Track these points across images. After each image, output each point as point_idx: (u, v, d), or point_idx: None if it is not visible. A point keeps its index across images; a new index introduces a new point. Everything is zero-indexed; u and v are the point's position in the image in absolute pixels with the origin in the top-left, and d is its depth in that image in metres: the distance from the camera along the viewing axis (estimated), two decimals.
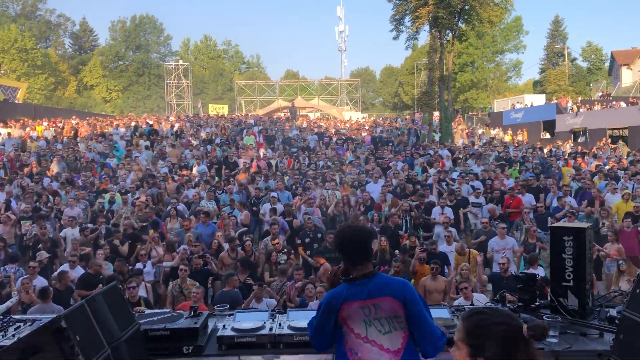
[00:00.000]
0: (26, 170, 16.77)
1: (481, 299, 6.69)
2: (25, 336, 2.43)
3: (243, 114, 40.35)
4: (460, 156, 19.46)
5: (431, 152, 20.29)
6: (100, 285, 7.67)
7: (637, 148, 24.03)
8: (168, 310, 3.80)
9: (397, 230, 11.17)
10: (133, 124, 26.46)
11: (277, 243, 10.13)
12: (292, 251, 10.46)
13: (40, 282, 8.28)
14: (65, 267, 9.10)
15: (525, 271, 3.99)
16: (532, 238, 10.29)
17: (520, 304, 3.78)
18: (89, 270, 8.77)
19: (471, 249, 9.66)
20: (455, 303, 6.68)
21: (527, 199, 13.07)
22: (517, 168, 17.44)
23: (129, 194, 14.09)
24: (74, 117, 33.35)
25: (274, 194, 13.63)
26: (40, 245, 10.28)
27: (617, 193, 13.05)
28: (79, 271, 9.07)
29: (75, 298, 8.05)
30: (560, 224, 4.98)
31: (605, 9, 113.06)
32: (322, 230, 11.52)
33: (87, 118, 33.18)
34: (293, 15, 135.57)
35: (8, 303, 7.56)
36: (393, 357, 2.67)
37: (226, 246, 10.34)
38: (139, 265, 9.56)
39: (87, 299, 2.78)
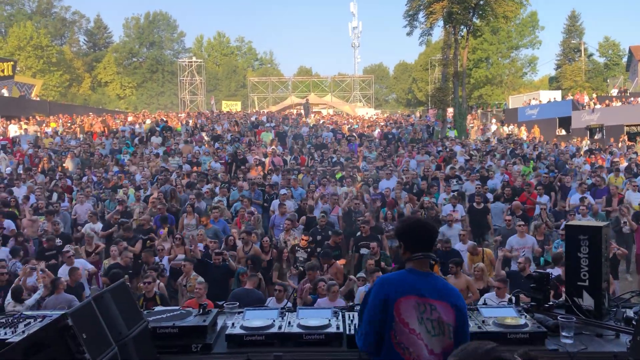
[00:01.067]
0: (39, 166, 16.94)
1: (493, 298, 6.59)
2: (32, 333, 2.41)
3: (256, 111, 40.42)
4: (475, 153, 19.31)
5: (445, 148, 20.13)
6: (126, 276, 7.73)
7: None
8: (177, 307, 3.78)
9: None
10: (148, 121, 26.60)
11: (305, 240, 10.10)
12: (316, 252, 10.38)
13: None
14: (79, 261, 9.20)
15: (538, 270, 3.89)
16: (540, 235, 10.12)
17: (533, 303, 3.70)
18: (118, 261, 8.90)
19: (485, 249, 9.52)
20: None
21: (544, 200, 12.81)
22: (531, 165, 17.24)
23: (141, 190, 14.18)
24: (89, 113, 33.67)
25: (284, 190, 13.62)
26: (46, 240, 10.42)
27: (637, 192, 12.82)
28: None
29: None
30: (576, 222, 4.91)
31: (623, 4, 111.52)
32: (333, 227, 11.47)
33: (103, 114, 33.45)
34: (306, 11, 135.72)
35: (36, 295, 7.67)
36: (434, 359, 2.64)
37: (241, 242, 10.35)
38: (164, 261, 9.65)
39: (94, 296, 2.76)
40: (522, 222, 10.20)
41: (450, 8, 26.95)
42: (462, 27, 29.09)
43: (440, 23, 29.32)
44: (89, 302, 2.66)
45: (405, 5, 29.60)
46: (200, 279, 7.56)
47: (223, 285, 8.61)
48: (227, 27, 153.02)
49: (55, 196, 14.04)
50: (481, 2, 27.79)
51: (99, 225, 11.70)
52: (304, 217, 11.94)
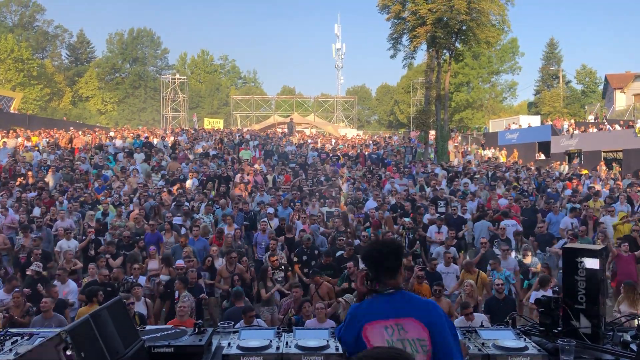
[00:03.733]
0: (19, 180, 16.60)
1: (483, 319, 6.58)
2: (29, 351, 2.32)
3: (239, 129, 40.35)
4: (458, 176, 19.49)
5: (428, 170, 20.30)
6: (101, 292, 7.55)
7: (631, 171, 24.14)
8: (171, 326, 3.68)
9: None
10: (131, 135, 26.35)
11: (275, 260, 10.02)
12: (290, 268, 10.34)
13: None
14: (54, 282, 8.97)
15: (546, 294, 3.85)
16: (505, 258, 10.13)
17: (542, 328, 3.66)
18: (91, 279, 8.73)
19: (481, 271, 9.51)
20: (456, 322, 6.57)
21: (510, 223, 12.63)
22: (510, 188, 17.43)
23: (123, 207, 13.98)
24: (71, 128, 33.23)
25: (270, 209, 13.55)
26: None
27: (615, 216, 13.07)
28: (69, 285, 8.93)
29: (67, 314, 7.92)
30: (574, 245, 4.94)
31: (599, 33, 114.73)
32: (318, 247, 11.41)
33: (84, 129, 33.05)
34: (290, 32, 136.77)
35: None
36: None
37: (222, 261, 10.22)
38: (142, 279, 9.46)
39: (91, 313, 2.67)
40: (506, 246, 10.29)
41: (433, 32, 27.42)
42: (444, 51, 29.58)
43: (424, 47, 29.86)
44: (86, 319, 2.57)
45: (390, 28, 30.07)
46: (188, 297, 7.42)
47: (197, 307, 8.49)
48: (211, 45, 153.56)
49: (37, 211, 13.76)
50: (464, 28, 28.34)
51: (73, 243, 11.43)
52: (283, 237, 11.87)
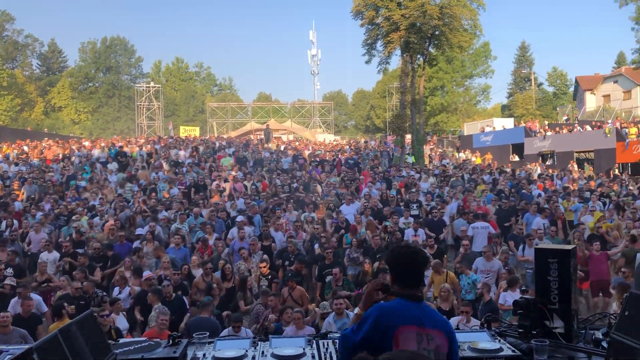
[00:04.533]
0: None
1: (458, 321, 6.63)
2: None
3: (215, 136, 40.10)
4: (434, 180, 19.67)
5: (405, 174, 20.43)
6: (73, 306, 7.41)
7: (603, 170, 24.64)
8: (144, 338, 3.62)
9: (378, 253, 11.09)
10: (103, 144, 26.04)
11: (265, 266, 10.00)
12: (276, 278, 10.27)
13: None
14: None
15: (513, 295, 3.88)
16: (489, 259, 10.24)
17: (521, 330, 3.68)
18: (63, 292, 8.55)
19: (449, 271, 9.60)
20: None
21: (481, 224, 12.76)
22: (482, 187, 17.69)
23: (97, 218, 13.79)
24: (45, 139, 32.70)
25: (240, 217, 13.47)
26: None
27: (591, 215, 13.32)
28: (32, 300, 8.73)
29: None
30: (545, 245, 4.99)
31: (569, 36, 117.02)
32: (303, 254, 11.40)
33: (57, 140, 32.50)
34: (266, 38, 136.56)
35: None
36: None
37: (200, 271, 10.12)
38: (115, 291, 9.31)
39: (60, 328, 2.61)
40: (488, 248, 10.39)
41: (407, 38, 27.71)
42: (418, 56, 29.89)
43: (398, 52, 30.15)
44: (55, 335, 2.51)
45: (364, 34, 30.30)
46: (163, 310, 7.31)
47: (178, 319, 8.32)
48: (186, 52, 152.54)
49: (3, 225, 13.48)
50: (437, 33, 28.70)
51: (54, 255, 11.25)
52: (259, 244, 11.82)
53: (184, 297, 8.65)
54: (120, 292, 9.30)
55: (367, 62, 31.05)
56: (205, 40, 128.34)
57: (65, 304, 7.60)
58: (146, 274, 9.52)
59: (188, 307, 8.56)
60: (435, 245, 11.40)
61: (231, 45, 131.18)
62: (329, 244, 11.20)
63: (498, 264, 9.84)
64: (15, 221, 13.70)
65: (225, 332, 7.20)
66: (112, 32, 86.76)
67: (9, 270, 10.08)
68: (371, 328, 2.63)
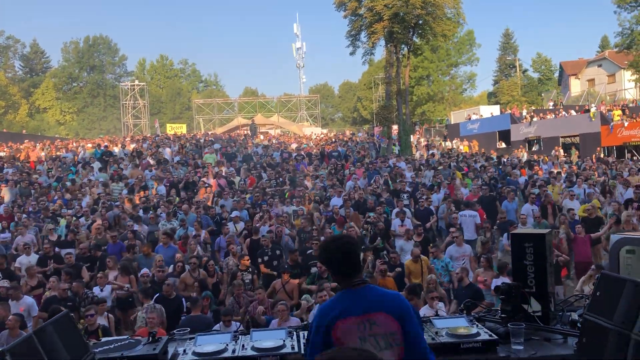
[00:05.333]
0: None
1: (442, 307, 6.69)
2: None
3: (202, 133, 39.95)
4: (422, 168, 19.73)
5: (391, 164, 20.48)
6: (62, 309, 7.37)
7: (588, 154, 24.83)
8: (126, 337, 3.63)
9: (361, 245, 11.14)
10: (89, 145, 25.86)
11: (248, 260, 10.00)
12: (257, 271, 10.30)
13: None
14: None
15: (506, 281, 3.92)
16: (485, 251, 10.31)
17: (503, 315, 3.72)
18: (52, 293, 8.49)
19: (422, 256, 9.60)
20: (421, 312, 6.66)
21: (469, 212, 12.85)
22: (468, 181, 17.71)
23: (82, 218, 13.71)
24: (26, 140, 32.38)
25: (234, 213, 13.47)
26: None
27: (575, 200, 13.40)
28: (25, 302, 8.67)
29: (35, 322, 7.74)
30: (520, 230, 5.03)
31: (552, 22, 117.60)
32: (281, 247, 11.40)
33: (41, 142, 32.21)
34: (250, 33, 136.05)
35: None
36: None
37: (187, 267, 10.10)
38: (96, 290, 9.25)
39: (35, 330, 2.62)
40: (458, 233, 10.50)
41: (390, 28, 27.72)
42: (403, 46, 29.91)
43: (382, 42, 30.15)
44: (30, 337, 2.52)
45: (347, 25, 30.24)
46: (152, 307, 7.28)
47: (175, 319, 8.26)
48: (170, 50, 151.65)
49: None
50: (420, 22, 28.71)
51: (33, 257, 11.14)
52: (248, 240, 11.82)
53: (182, 298, 8.61)
54: (102, 290, 9.23)
55: (352, 53, 31.10)
56: (189, 37, 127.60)
57: (62, 308, 7.56)
58: (143, 271, 9.50)
59: (185, 307, 8.52)
60: (423, 234, 11.44)
61: (216, 41, 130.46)
62: (318, 235, 11.22)
63: (469, 248, 9.94)
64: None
65: (217, 327, 7.21)
66: (95, 31, 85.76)
67: None
68: (315, 334, 2.65)
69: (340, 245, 2.78)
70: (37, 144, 29.06)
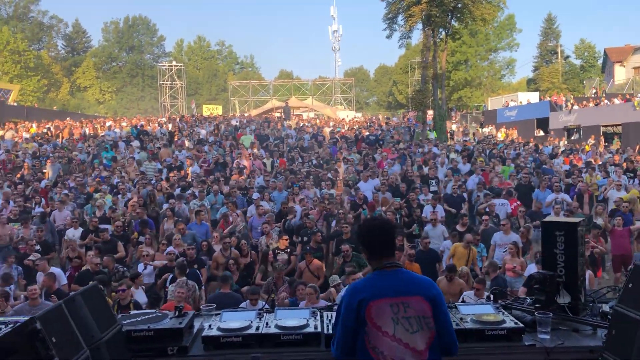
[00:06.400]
0: (19, 173, 16.65)
1: (472, 297, 6.63)
2: None
3: (237, 114, 40.26)
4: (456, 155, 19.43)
5: (425, 149, 20.25)
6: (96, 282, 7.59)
7: (631, 144, 24.04)
8: (153, 310, 3.72)
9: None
10: (124, 124, 26.38)
11: (286, 239, 10.12)
12: (294, 252, 10.37)
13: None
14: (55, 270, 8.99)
15: (542, 271, 3.84)
16: (524, 238, 10.17)
17: (537, 305, 3.65)
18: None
19: (472, 247, 9.56)
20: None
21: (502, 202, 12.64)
22: (510, 167, 17.34)
23: (120, 195, 14.01)
24: (68, 118, 33.22)
25: (255, 194, 13.56)
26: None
27: (621, 190, 13.02)
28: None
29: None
30: (552, 218, 4.90)
31: (598, 7, 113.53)
32: (320, 230, 11.47)
33: (81, 120, 33.02)
34: (287, 15, 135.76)
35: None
36: (418, 356, 2.63)
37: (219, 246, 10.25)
38: (140, 267, 9.49)
39: (65, 299, 2.70)
40: (506, 221, 10.34)
41: (429, 11, 27.22)
42: (440, 29, 29.38)
43: (419, 26, 29.68)
44: (59, 306, 2.60)
45: (385, 8, 29.87)
46: (182, 283, 7.44)
47: None
48: (208, 31, 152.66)
49: (33, 202, 13.79)
50: (459, 5, 28.11)
51: (78, 231, 11.51)
52: (283, 220, 11.94)
53: (198, 272, 8.77)
54: (145, 268, 9.48)
55: (388, 37, 30.74)
56: (226, 18, 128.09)
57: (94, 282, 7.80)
58: (169, 249, 9.69)
59: (202, 282, 8.68)
60: (467, 225, 11.31)
61: (252, 23, 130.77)
62: (346, 220, 11.22)
63: (516, 237, 9.78)
64: (42, 199, 14.00)
65: (243, 305, 7.32)
66: (134, 11, 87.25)
67: (38, 247, 10.36)
68: (345, 310, 2.71)
69: (380, 225, 2.87)
70: (77, 122, 29.80)
